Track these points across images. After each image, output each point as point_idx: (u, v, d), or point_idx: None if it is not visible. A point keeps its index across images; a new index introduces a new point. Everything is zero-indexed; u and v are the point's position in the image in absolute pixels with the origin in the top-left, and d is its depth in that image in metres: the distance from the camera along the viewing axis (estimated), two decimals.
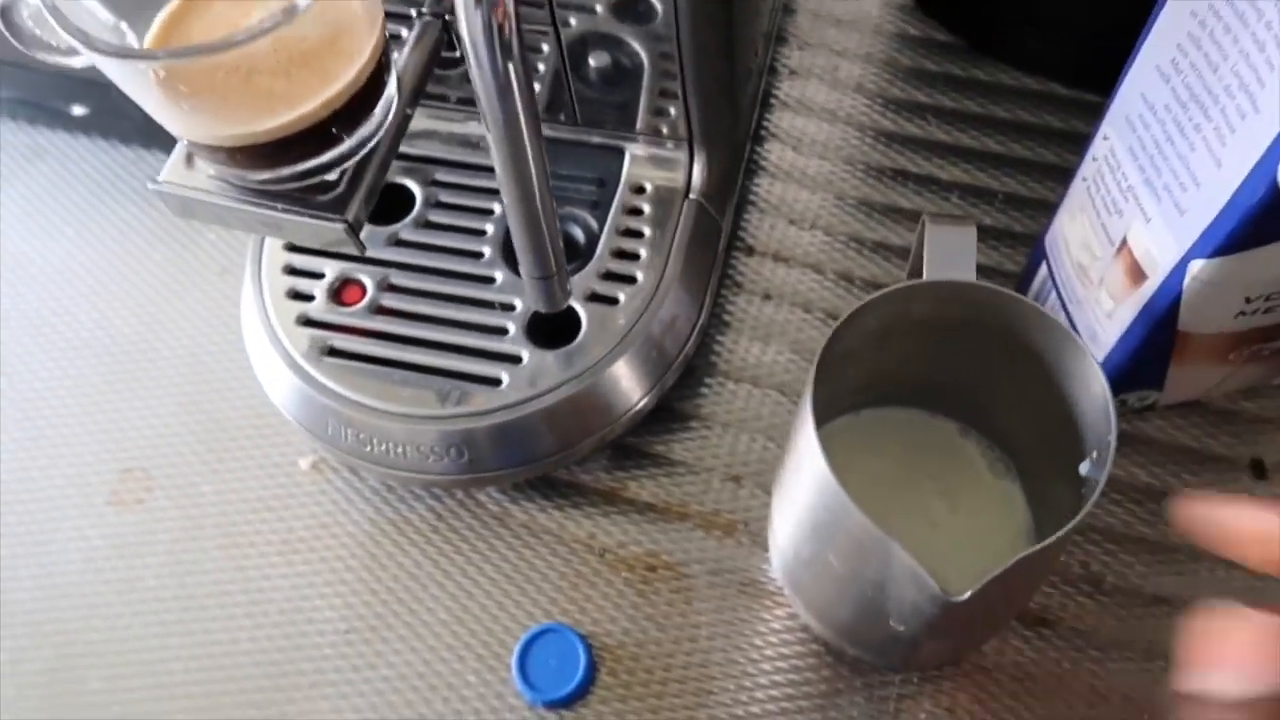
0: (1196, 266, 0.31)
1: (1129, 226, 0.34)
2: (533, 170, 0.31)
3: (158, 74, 0.29)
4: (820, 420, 0.30)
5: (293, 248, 0.42)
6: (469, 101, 0.43)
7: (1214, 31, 0.28)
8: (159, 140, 0.52)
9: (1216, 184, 0.29)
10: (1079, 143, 0.48)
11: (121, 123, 0.51)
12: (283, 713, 0.39)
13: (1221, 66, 0.28)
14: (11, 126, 0.54)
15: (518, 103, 0.29)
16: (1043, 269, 0.41)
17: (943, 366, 0.36)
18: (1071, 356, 0.31)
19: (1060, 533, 0.27)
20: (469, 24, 0.27)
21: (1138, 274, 0.34)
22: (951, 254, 0.33)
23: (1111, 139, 0.34)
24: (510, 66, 0.28)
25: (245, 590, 0.41)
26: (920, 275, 0.34)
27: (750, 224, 0.47)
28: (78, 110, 0.51)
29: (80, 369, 0.46)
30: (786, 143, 0.49)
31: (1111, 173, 0.35)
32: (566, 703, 0.37)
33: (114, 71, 0.29)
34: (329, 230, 0.33)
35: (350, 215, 0.33)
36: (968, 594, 0.26)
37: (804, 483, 0.31)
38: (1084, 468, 0.31)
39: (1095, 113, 0.48)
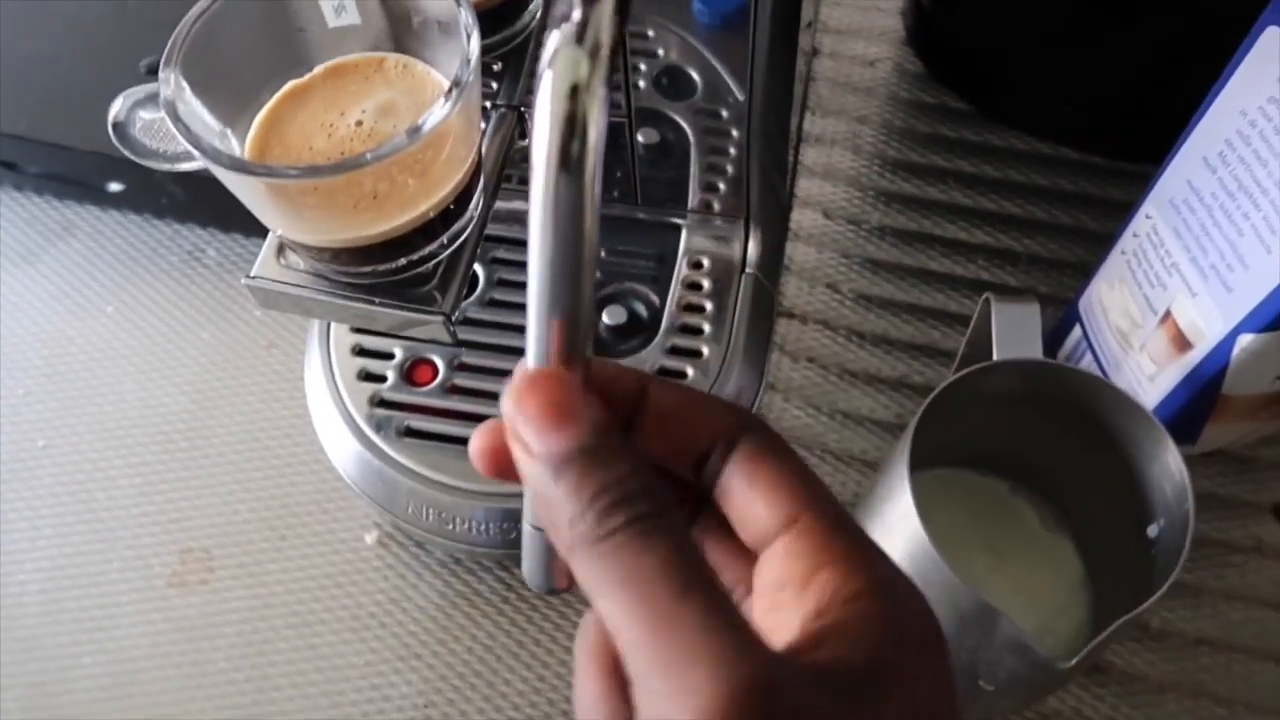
0: (1246, 340, 0.33)
1: (1173, 299, 0.37)
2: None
3: (266, 183, 0.30)
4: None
5: (360, 329, 0.42)
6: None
7: (1264, 131, 0.31)
8: (194, 216, 0.52)
9: (1266, 266, 0.32)
10: (1092, 205, 0.51)
11: (157, 198, 0.51)
12: None
13: (1272, 162, 0.31)
14: (39, 202, 0.53)
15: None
16: (1075, 331, 0.44)
17: (995, 431, 0.38)
18: (1143, 432, 0.33)
19: (1161, 590, 0.29)
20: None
21: (1183, 343, 0.37)
22: (1018, 331, 0.35)
23: (1155, 218, 0.37)
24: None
25: (319, 669, 0.41)
26: (980, 348, 0.37)
27: (789, 289, 0.49)
28: (114, 186, 0.51)
29: (131, 449, 0.46)
30: (817, 209, 0.51)
31: (1154, 249, 0.37)
32: None
33: (230, 181, 0.30)
34: (427, 323, 0.34)
35: (447, 307, 0.34)
36: (1075, 659, 0.28)
37: (893, 555, 0.33)
38: (1153, 530, 0.34)
39: (1105, 176, 0.52)
